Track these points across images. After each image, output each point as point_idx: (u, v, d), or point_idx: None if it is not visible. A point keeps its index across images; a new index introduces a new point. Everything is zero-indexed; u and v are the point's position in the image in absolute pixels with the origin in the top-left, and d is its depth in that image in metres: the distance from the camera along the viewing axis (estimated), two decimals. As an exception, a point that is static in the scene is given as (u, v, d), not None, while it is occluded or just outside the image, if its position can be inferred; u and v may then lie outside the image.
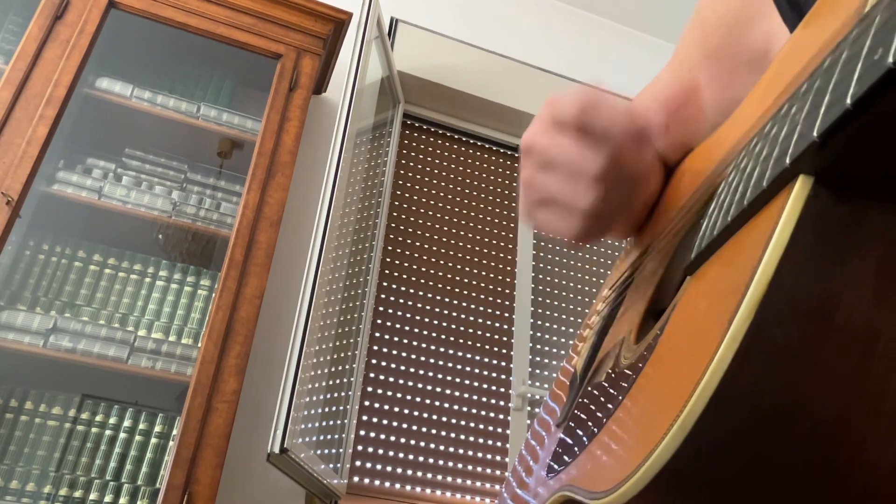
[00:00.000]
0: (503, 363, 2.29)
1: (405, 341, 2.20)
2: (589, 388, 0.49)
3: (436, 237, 2.41)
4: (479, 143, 2.66)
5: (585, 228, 0.51)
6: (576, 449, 0.41)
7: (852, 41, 0.25)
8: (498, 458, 2.15)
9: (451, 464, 2.09)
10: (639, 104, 0.62)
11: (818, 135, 0.24)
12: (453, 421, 2.14)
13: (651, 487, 0.26)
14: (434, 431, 2.11)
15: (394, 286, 2.27)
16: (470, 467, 2.11)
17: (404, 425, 2.08)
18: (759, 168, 0.29)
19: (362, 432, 2.03)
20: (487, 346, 2.29)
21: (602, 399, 0.42)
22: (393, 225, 2.36)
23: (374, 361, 2.13)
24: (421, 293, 2.29)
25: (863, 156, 0.25)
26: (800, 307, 0.25)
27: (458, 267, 2.38)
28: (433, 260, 2.36)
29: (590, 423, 0.41)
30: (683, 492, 0.27)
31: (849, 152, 0.25)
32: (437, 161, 2.55)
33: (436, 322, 2.26)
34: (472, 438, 2.14)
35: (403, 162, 2.49)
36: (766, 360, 0.25)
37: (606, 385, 0.43)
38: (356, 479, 1.97)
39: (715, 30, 0.60)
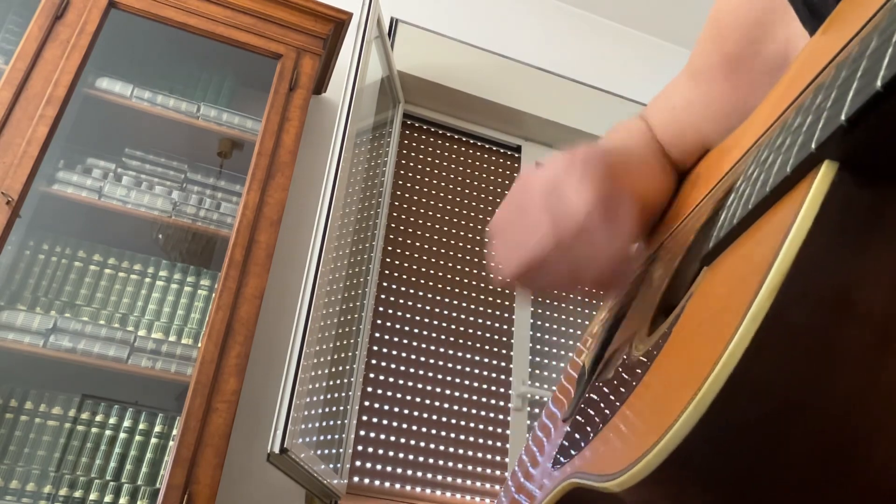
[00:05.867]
0: (503, 363, 2.28)
1: (405, 341, 2.20)
2: (598, 382, 0.48)
3: (436, 237, 2.40)
4: (479, 143, 2.66)
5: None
6: (584, 439, 0.41)
7: (881, 31, 0.25)
8: (498, 458, 2.14)
9: (451, 464, 2.08)
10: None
11: (846, 118, 0.24)
12: (453, 421, 2.14)
13: (663, 468, 0.26)
14: (434, 431, 2.11)
15: (394, 286, 2.26)
16: (470, 467, 2.10)
17: (404, 425, 2.08)
18: (781, 157, 0.29)
19: (362, 432, 2.03)
20: (487, 346, 2.29)
21: (613, 390, 0.42)
22: (393, 225, 2.36)
23: (374, 361, 2.13)
24: (421, 293, 2.29)
25: (889, 141, 0.25)
26: (821, 292, 0.25)
27: (458, 267, 2.38)
28: (433, 260, 2.36)
29: (599, 414, 0.41)
30: (695, 473, 0.26)
31: (876, 137, 0.24)
32: (437, 161, 2.55)
33: (436, 322, 2.26)
34: (472, 438, 2.14)
35: (403, 162, 2.48)
36: (784, 343, 0.25)
37: (617, 377, 0.43)
38: (356, 479, 1.97)
39: (734, 37, 0.59)
